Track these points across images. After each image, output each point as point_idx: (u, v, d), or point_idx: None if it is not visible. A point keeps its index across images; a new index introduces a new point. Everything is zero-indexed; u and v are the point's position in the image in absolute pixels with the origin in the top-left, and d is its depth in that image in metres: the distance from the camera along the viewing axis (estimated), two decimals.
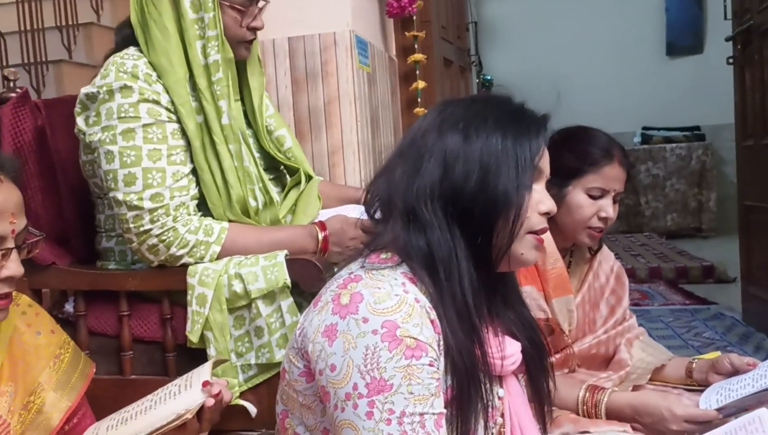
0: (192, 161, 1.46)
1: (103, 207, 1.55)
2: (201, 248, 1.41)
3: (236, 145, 1.48)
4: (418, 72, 3.08)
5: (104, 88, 1.42)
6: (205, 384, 1.12)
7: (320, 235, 1.48)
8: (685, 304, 4.00)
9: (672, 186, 6.42)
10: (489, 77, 6.08)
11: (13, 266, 1.02)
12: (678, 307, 3.93)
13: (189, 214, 1.42)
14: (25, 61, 3.18)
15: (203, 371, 1.17)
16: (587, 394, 1.43)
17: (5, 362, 1.09)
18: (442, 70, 3.60)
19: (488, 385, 0.99)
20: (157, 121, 1.41)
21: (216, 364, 1.26)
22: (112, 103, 1.41)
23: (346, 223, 1.50)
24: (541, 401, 1.11)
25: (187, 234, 1.41)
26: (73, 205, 1.58)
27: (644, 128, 6.67)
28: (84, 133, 1.47)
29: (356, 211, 1.54)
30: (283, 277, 1.36)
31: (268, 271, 1.37)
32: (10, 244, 1.02)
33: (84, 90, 1.46)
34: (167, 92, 1.44)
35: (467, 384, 0.95)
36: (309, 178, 1.65)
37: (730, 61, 3.48)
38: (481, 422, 0.98)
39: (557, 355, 1.51)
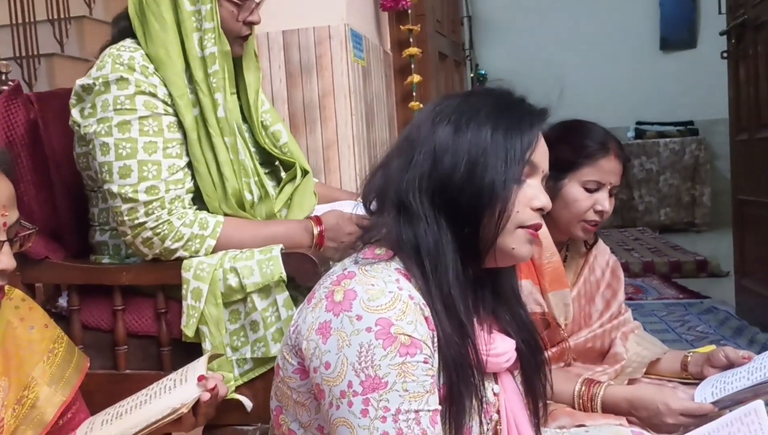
0: (188, 154, 1.45)
1: (97, 200, 1.54)
2: (196, 242, 1.41)
3: (232, 138, 1.47)
4: (413, 66, 3.08)
5: (100, 80, 1.41)
6: (201, 378, 1.11)
7: (316, 230, 1.47)
8: (678, 298, 4.01)
9: (665, 180, 6.44)
10: (483, 72, 6.08)
11: (5, 259, 1.01)
12: (671, 301, 3.94)
13: (184, 208, 1.42)
14: (17, 54, 3.16)
15: (198, 365, 1.16)
16: (583, 388, 1.43)
17: None
18: (437, 64, 3.59)
19: (480, 381, 0.98)
20: (154, 113, 1.40)
21: (211, 359, 1.25)
22: (108, 95, 1.40)
23: (342, 218, 1.49)
24: (536, 398, 1.11)
25: (182, 227, 1.40)
26: (66, 199, 1.57)
27: (638, 123, 6.68)
28: (79, 125, 1.46)
29: (352, 206, 1.54)
30: (279, 271, 1.35)
31: (264, 265, 1.36)
32: (2, 237, 1.02)
33: (79, 81, 1.45)
34: (164, 84, 1.43)
35: (456, 378, 0.95)
36: (305, 173, 1.64)
37: (725, 55, 3.49)
38: (476, 419, 0.97)
39: (553, 349, 1.51)
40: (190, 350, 1.38)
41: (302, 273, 1.37)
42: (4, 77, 1.55)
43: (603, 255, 1.63)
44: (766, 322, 3.13)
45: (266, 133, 1.65)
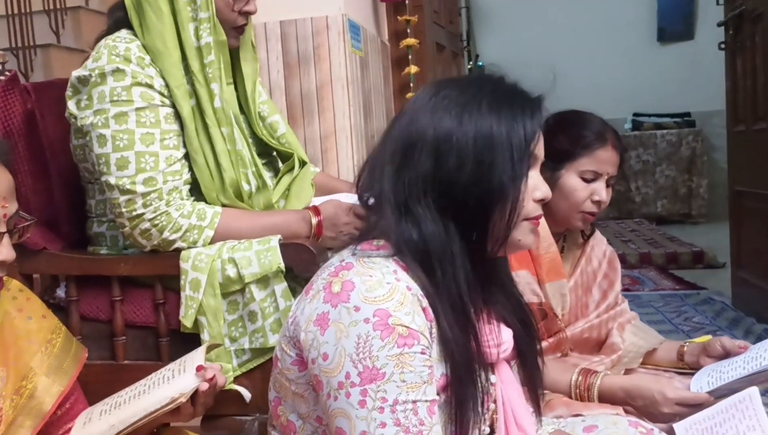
0: (185, 146, 1.44)
1: (94, 192, 1.53)
2: (194, 232, 1.41)
3: (228, 128, 1.47)
4: (410, 57, 3.07)
5: (96, 72, 1.40)
6: (199, 368, 1.11)
7: (314, 220, 1.47)
8: (675, 289, 4.02)
9: (662, 172, 6.45)
10: (481, 64, 6.07)
11: (5, 251, 1.01)
12: (668, 292, 3.95)
13: (182, 199, 1.41)
14: (13, 45, 3.15)
15: (197, 356, 1.17)
16: (580, 378, 1.43)
17: None
18: (434, 55, 3.59)
19: (483, 374, 0.98)
20: (150, 105, 1.40)
21: (210, 349, 1.25)
22: (104, 87, 1.39)
23: (339, 208, 1.49)
24: (534, 386, 1.11)
25: (180, 218, 1.40)
26: (63, 190, 1.57)
27: (635, 114, 6.69)
28: (75, 117, 1.45)
29: (350, 197, 1.54)
30: (277, 261, 1.35)
31: (262, 255, 1.36)
32: (2, 228, 1.02)
33: (75, 73, 1.44)
34: (161, 76, 1.42)
35: (463, 374, 0.95)
36: (303, 164, 1.64)
37: (722, 46, 3.48)
38: (475, 408, 0.97)
39: (550, 339, 1.52)
40: (189, 341, 1.38)
41: (300, 263, 1.37)
42: (0, 67, 1.54)
43: (600, 246, 1.63)
44: (762, 312, 3.14)
45: (263, 124, 1.65)
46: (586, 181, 1.46)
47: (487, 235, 0.97)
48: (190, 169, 1.45)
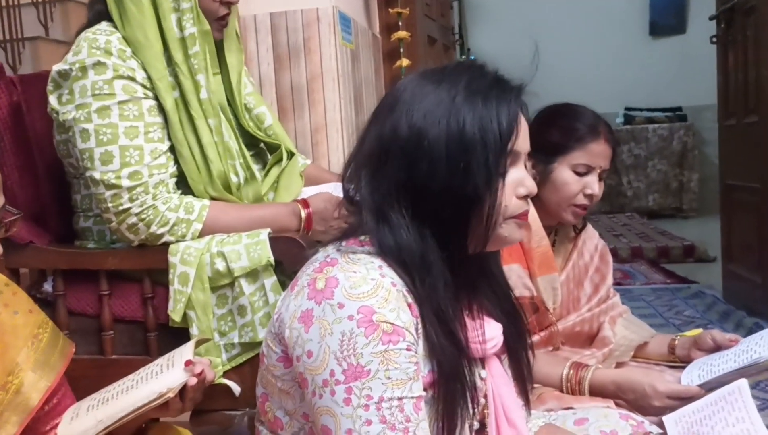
0: (170, 138, 1.43)
1: (80, 187, 1.52)
2: (182, 226, 1.39)
3: (216, 119, 1.45)
4: (401, 50, 3.06)
5: (77, 65, 1.38)
6: (188, 363, 1.10)
7: (303, 213, 1.46)
8: (666, 283, 4.04)
9: (654, 166, 6.47)
10: (474, 58, 6.06)
11: None
12: (659, 286, 3.97)
13: (168, 192, 1.40)
14: (1, 38, 3.12)
15: (185, 350, 1.15)
16: (571, 371, 1.43)
17: None
18: (426, 48, 3.58)
19: (470, 370, 0.97)
20: (133, 97, 1.38)
21: (198, 344, 1.24)
22: (85, 81, 1.37)
23: (329, 201, 1.48)
24: (524, 380, 1.11)
25: (167, 212, 1.38)
26: (50, 183, 1.55)
27: (627, 109, 6.70)
28: (57, 112, 1.43)
29: (340, 190, 1.52)
30: (267, 255, 1.34)
31: (251, 249, 1.35)
32: None
33: (56, 67, 1.42)
34: (143, 68, 1.40)
35: (449, 372, 0.94)
36: (291, 155, 1.63)
37: (714, 40, 3.49)
38: (463, 405, 0.97)
39: (542, 333, 1.52)
40: (177, 335, 1.37)
41: (290, 257, 1.36)
42: None
43: (591, 239, 1.63)
44: (752, 306, 3.15)
45: (250, 116, 1.64)
46: (579, 174, 1.46)
47: (466, 241, 0.95)
48: (176, 162, 1.43)
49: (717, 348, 1.45)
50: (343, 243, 0.97)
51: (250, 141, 1.62)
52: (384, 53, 3.17)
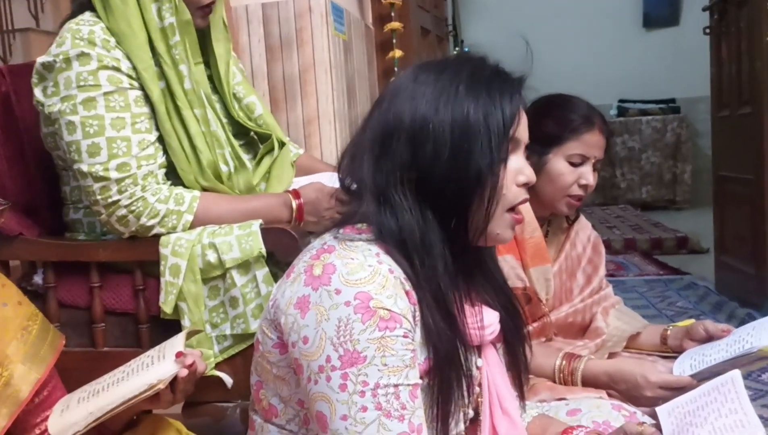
0: (158, 129, 1.42)
1: (69, 179, 1.50)
2: (173, 218, 1.38)
3: (201, 109, 1.44)
4: (394, 41, 3.05)
5: (61, 57, 1.36)
6: (179, 355, 1.10)
7: (294, 204, 1.45)
8: (659, 274, 4.05)
9: (647, 158, 6.48)
10: (467, 49, 6.05)
11: None
12: (652, 277, 3.98)
13: (158, 183, 1.39)
14: None
15: (177, 342, 1.15)
16: (564, 362, 1.44)
17: None
18: (419, 39, 3.56)
19: (466, 358, 0.98)
20: (119, 88, 1.37)
21: (190, 335, 1.24)
22: (70, 72, 1.36)
23: (321, 192, 1.47)
24: (519, 369, 1.11)
25: (157, 203, 1.37)
26: (40, 174, 1.54)
27: (620, 101, 6.70)
28: (43, 105, 1.42)
29: (333, 179, 1.52)
30: (258, 246, 1.34)
31: (243, 240, 1.34)
32: None
33: (40, 59, 1.41)
34: (127, 58, 1.39)
35: (445, 359, 0.94)
36: (282, 145, 1.62)
37: (707, 31, 3.49)
38: (458, 393, 0.97)
39: (534, 324, 1.52)
40: (169, 327, 1.37)
41: (282, 248, 1.36)
42: None
43: (584, 230, 1.63)
44: (744, 297, 3.16)
45: (240, 106, 1.62)
46: (574, 165, 1.46)
47: (467, 225, 0.96)
48: (165, 152, 1.42)
49: (709, 338, 1.45)
50: (341, 231, 0.97)
51: (240, 131, 1.60)
52: (377, 44, 3.16)
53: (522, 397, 1.12)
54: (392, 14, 3.06)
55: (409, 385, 0.89)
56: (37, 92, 1.42)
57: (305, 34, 2.32)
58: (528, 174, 1.00)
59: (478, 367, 1.03)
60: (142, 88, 1.40)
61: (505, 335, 1.08)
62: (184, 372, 1.09)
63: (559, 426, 1.12)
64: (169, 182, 1.43)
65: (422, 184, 0.94)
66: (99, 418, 1.06)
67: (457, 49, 5.53)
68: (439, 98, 0.94)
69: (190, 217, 1.39)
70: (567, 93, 1.54)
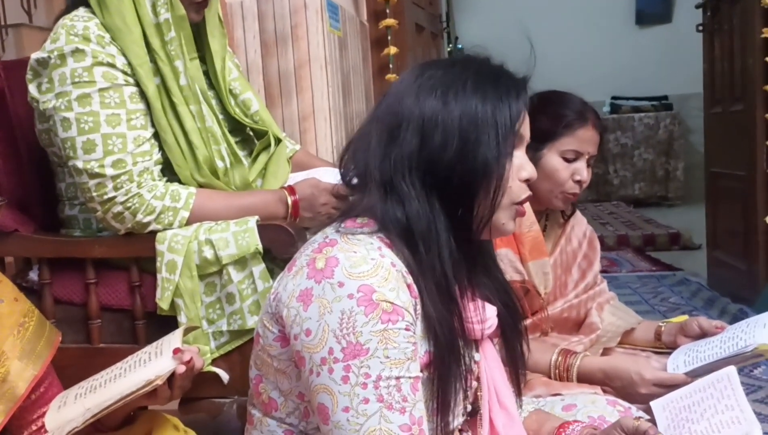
0: (153, 125, 1.41)
1: (64, 175, 1.50)
2: (169, 214, 1.38)
3: (196, 105, 1.44)
4: (389, 37, 3.05)
5: (55, 53, 1.36)
6: (176, 351, 1.10)
7: (290, 200, 1.45)
8: (651, 270, 4.07)
9: (640, 155, 6.51)
10: (461, 47, 6.05)
11: None
12: (645, 273, 4.00)
13: (154, 180, 1.39)
14: None
15: (174, 338, 1.15)
16: (559, 358, 1.44)
17: None
18: (413, 36, 3.56)
19: (466, 352, 0.99)
20: (114, 84, 1.36)
21: (187, 331, 1.24)
22: (64, 68, 1.35)
23: (316, 188, 1.47)
24: (516, 364, 1.12)
25: (153, 200, 1.37)
26: (35, 171, 1.53)
27: (613, 98, 6.72)
28: (37, 101, 1.41)
29: (328, 175, 1.52)
30: (255, 242, 1.34)
31: (240, 236, 1.34)
32: None
33: (34, 56, 1.40)
34: (122, 54, 1.38)
35: (446, 352, 0.95)
36: (278, 141, 1.61)
37: (700, 28, 3.50)
38: (458, 386, 0.97)
39: (532, 318, 1.52)
40: (165, 323, 1.36)
41: (279, 244, 1.36)
42: None
43: (580, 226, 1.64)
44: (736, 293, 3.18)
45: (236, 102, 1.62)
46: (568, 160, 1.47)
47: (472, 214, 0.97)
48: (161, 149, 1.42)
49: (703, 335, 1.46)
50: (342, 224, 0.97)
51: (236, 127, 1.60)
52: (372, 41, 3.16)
53: (519, 392, 1.12)
54: (387, 11, 3.06)
55: (410, 377, 0.89)
56: (32, 89, 1.42)
57: (300, 30, 2.32)
58: (530, 170, 1.02)
59: (476, 362, 1.04)
60: (138, 84, 1.39)
61: (503, 330, 1.09)
62: (182, 368, 1.09)
63: (555, 421, 1.13)
64: (165, 179, 1.42)
65: (430, 174, 0.95)
66: (96, 414, 1.06)
67: (450, 45, 5.54)
68: (447, 92, 0.96)
69: (186, 214, 1.39)
70: (560, 89, 1.55)
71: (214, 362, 1.38)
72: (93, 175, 1.35)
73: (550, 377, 1.43)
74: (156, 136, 1.41)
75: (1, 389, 1.08)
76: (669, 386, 1.33)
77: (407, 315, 0.90)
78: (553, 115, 1.47)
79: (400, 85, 1.01)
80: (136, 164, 1.37)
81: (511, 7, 6.64)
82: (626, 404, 1.30)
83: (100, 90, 1.35)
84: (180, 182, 1.43)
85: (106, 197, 1.36)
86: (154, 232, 1.39)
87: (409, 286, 0.92)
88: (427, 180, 0.95)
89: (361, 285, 0.88)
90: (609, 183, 6.52)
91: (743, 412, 1.06)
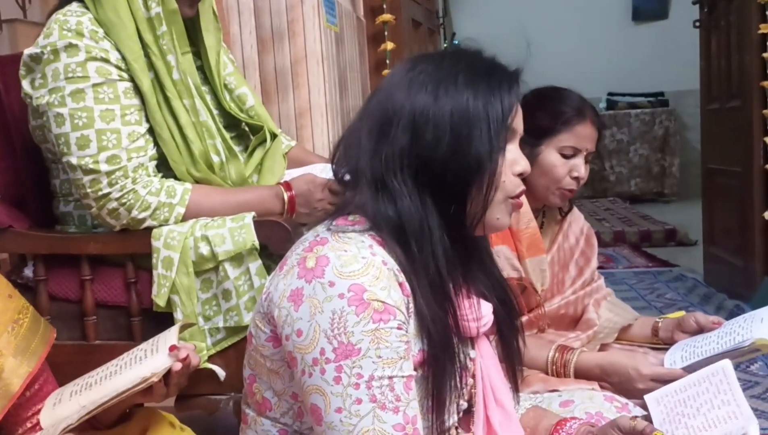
0: (148, 120, 1.40)
1: (58, 171, 1.49)
2: (164, 210, 1.37)
3: (190, 100, 1.43)
4: (386, 33, 3.04)
5: (48, 48, 1.35)
6: (172, 348, 1.09)
7: (286, 196, 1.44)
8: (648, 266, 4.08)
9: (636, 151, 6.52)
10: (457, 42, 6.04)
11: None
12: (641, 269, 4.01)
13: (149, 176, 1.38)
14: None
15: (170, 335, 1.14)
16: (557, 354, 1.44)
17: None
18: (410, 31, 3.55)
19: (461, 349, 0.98)
20: (108, 80, 1.35)
21: (183, 328, 1.23)
22: (57, 64, 1.34)
23: (312, 183, 1.47)
24: (512, 361, 1.11)
25: (148, 196, 1.36)
26: (30, 167, 1.52)
27: (609, 94, 6.73)
28: (31, 97, 1.40)
29: (325, 171, 1.52)
30: (251, 238, 1.33)
31: (236, 232, 1.34)
32: None
33: (27, 51, 1.39)
34: (116, 49, 1.37)
35: (440, 350, 0.94)
36: (273, 136, 1.61)
37: (697, 24, 3.50)
38: (452, 384, 0.97)
39: (530, 314, 1.52)
40: (161, 320, 1.36)
41: (275, 240, 1.35)
42: None
43: (577, 222, 1.64)
44: (732, 288, 3.19)
45: (231, 97, 1.61)
46: (566, 157, 1.46)
47: (465, 211, 0.96)
48: (156, 144, 1.41)
49: (700, 330, 1.46)
50: (333, 222, 0.96)
51: (231, 122, 1.59)
52: (368, 36, 3.15)
53: (516, 389, 1.12)
54: (384, 6, 3.05)
55: (403, 376, 0.89)
56: (25, 84, 1.41)
57: (297, 25, 2.31)
58: (524, 164, 1.00)
59: (471, 359, 1.03)
60: (132, 79, 1.38)
61: (500, 327, 1.09)
62: (178, 365, 1.08)
63: (552, 418, 1.12)
64: (161, 174, 1.41)
65: (421, 171, 0.94)
66: (91, 411, 1.05)
67: (447, 41, 5.53)
68: (438, 87, 0.94)
69: (182, 210, 1.38)
70: (557, 85, 1.54)
71: (210, 359, 1.38)
72: (87, 172, 1.34)
73: (547, 373, 1.43)
74: (151, 131, 1.40)
75: None
76: (666, 381, 1.33)
77: (399, 314, 0.89)
78: (552, 111, 1.46)
79: (391, 79, 0.99)
80: (131, 160, 1.36)
81: (507, 3, 6.64)
82: (623, 400, 1.30)
83: (94, 85, 1.34)
84: (176, 178, 1.42)
85: (100, 193, 1.35)
86: (149, 229, 1.38)
87: (401, 284, 0.91)
88: (418, 177, 0.94)
89: (351, 284, 0.87)
90: (605, 179, 6.52)
91: (740, 407, 1.05)
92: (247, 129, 1.64)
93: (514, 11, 6.56)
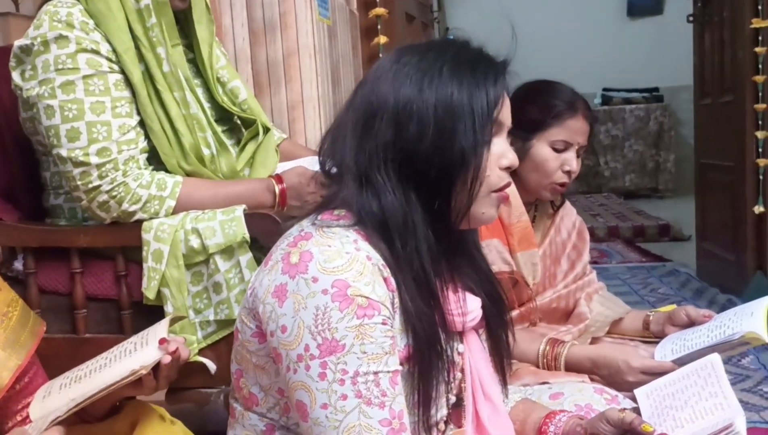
0: (139, 113, 1.40)
1: (49, 164, 1.48)
2: (155, 203, 1.37)
3: (180, 92, 1.42)
4: (379, 27, 3.03)
5: (38, 40, 1.34)
6: (162, 341, 1.09)
7: (277, 189, 1.44)
8: (641, 261, 4.09)
9: (630, 147, 6.53)
10: (452, 37, 6.02)
11: None
12: (635, 264, 4.02)
13: (139, 168, 1.37)
14: None
15: (160, 328, 1.14)
16: (547, 347, 1.44)
17: None
18: (404, 25, 3.54)
19: (448, 344, 0.98)
20: (98, 72, 1.35)
21: (173, 321, 1.22)
22: (48, 55, 1.33)
23: (304, 176, 1.46)
24: (501, 355, 1.11)
25: (139, 189, 1.36)
26: (20, 159, 1.52)
27: (604, 89, 6.73)
28: (21, 89, 1.39)
29: (315, 163, 1.51)
30: (242, 231, 1.33)
31: (226, 225, 1.33)
32: None
33: (17, 43, 1.38)
34: (107, 40, 1.36)
35: (425, 346, 0.94)
36: (266, 130, 1.60)
37: (690, 18, 3.50)
38: (439, 378, 0.96)
39: (521, 308, 1.52)
40: (151, 313, 1.35)
41: (266, 233, 1.34)
42: None
43: (569, 216, 1.64)
44: (725, 283, 3.20)
45: (224, 90, 1.60)
46: (557, 151, 1.46)
47: (450, 205, 0.95)
48: (146, 137, 1.40)
49: (691, 324, 1.46)
50: (319, 217, 0.96)
51: (223, 115, 1.59)
52: (362, 30, 3.13)
53: (505, 382, 1.12)
54: (377, 0, 3.04)
55: (388, 371, 0.88)
56: (15, 76, 1.40)
57: (289, 18, 2.30)
58: (511, 157, 0.99)
59: (459, 353, 1.03)
60: (123, 71, 1.38)
61: (488, 321, 1.08)
62: (168, 359, 1.08)
63: (542, 411, 1.12)
64: (151, 167, 1.41)
65: (405, 165, 0.93)
66: (80, 403, 1.04)
67: (440, 36, 5.52)
68: (422, 79, 0.93)
69: (172, 203, 1.38)
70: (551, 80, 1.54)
71: (201, 352, 1.38)
72: (77, 164, 1.34)
73: (538, 366, 1.43)
74: (141, 124, 1.40)
75: None
76: (656, 374, 1.34)
77: (384, 309, 0.89)
78: (543, 104, 1.46)
79: (376, 71, 0.98)
80: (122, 152, 1.35)
81: None
82: (613, 392, 1.30)
83: (84, 77, 1.33)
84: (167, 171, 1.42)
85: (91, 186, 1.35)
86: (140, 221, 1.38)
87: (386, 279, 0.91)
88: (402, 171, 0.93)
89: (335, 280, 0.86)
90: (599, 174, 6.53)
91: (727, 399, 1.06)
92: (239, 122, 1.63)
93: (508, 6, 6.52)
